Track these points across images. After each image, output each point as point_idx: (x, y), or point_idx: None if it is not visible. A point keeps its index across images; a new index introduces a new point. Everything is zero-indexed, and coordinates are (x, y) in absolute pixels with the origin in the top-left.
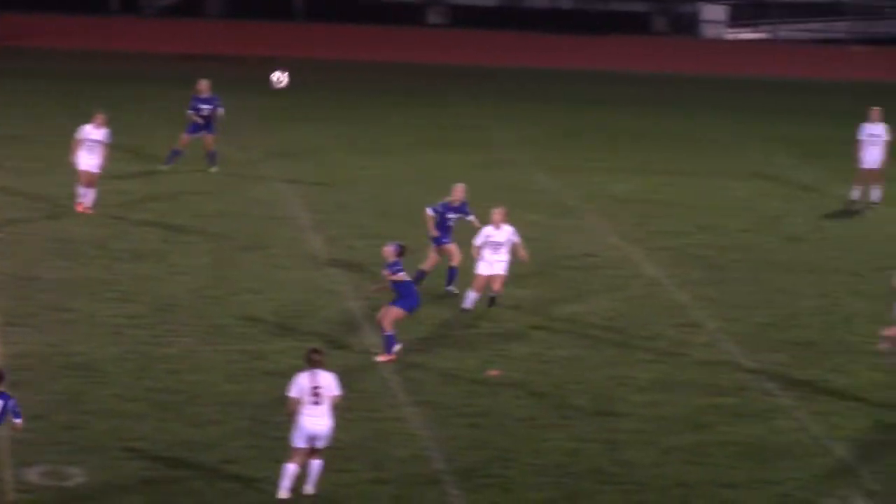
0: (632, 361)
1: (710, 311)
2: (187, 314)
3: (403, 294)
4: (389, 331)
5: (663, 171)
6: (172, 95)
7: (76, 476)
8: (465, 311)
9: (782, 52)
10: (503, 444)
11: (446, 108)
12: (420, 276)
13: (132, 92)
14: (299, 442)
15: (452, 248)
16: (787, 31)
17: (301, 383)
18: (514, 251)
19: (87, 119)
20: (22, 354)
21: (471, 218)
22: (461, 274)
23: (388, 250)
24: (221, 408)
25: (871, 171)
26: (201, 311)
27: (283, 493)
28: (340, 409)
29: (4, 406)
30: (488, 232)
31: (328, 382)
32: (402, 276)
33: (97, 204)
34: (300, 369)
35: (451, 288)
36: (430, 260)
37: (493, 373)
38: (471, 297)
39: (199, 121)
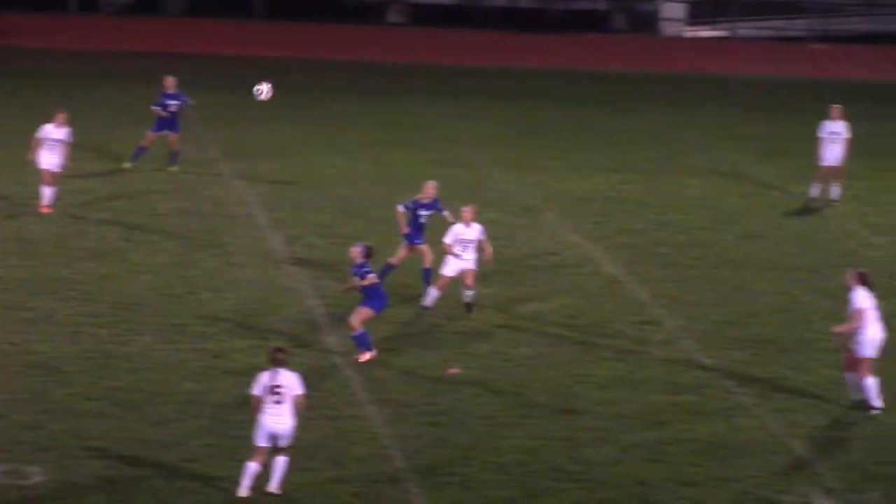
0: (592, 359)
1: (670, 309)
2: (147, 313)
3: (372, 296)
4: (359, 330)
5: (622, 169)
6: (133, 94)
7: (36, 475)
8: (425, 308)
9: (741, 49)
10: (464, 443)
11: (406, 107)
12: (387, 268)
13: (92, 90)
14: (261, 441)
15: (425, 248)
16: (746, 28)
17: (263, 382)
18: (479, 248)
19: (48, 118)
20: None
21: (445, 213)
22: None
23: (355, 251)
24: (181, 406)
25: (830, 168)
26: (161, 309)
27: (244, 491)
28: (303, 409)
29: None
30: (459, 230)
31: (290, 382)
32: (372, 278)
33: (57, 203)
34: (263, 368)
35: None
36: (399, 254)
37: (453, 371)
38: (432, 295)
39: (165, 115)
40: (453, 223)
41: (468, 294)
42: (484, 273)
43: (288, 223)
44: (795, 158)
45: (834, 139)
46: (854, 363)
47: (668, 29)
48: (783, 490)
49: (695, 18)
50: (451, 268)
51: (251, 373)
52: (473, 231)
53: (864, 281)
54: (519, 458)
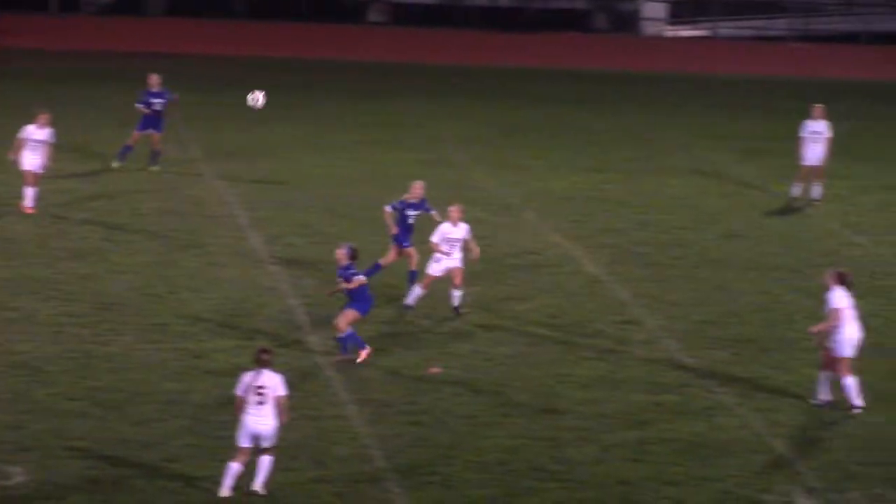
0: (573, 359)
1: (651, 309)
2: (128, 313)
3: (358, 298)
4: (346, 331)
5: (603, 169)
6: (115, 94)
7: (17, 475)
8: (407, 307)
9: (722, 49)
10: (445, 442)
11: (387, 106)
12: (376, 268)
13: (74, 90)
14: (243, 441)
15: (412, 251)
16: (727, 28)
17: (246, 382)
18: (465, 248)
19: (29, 119)
20: None
21: (432, 213)
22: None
23: (341, 253)
24: (163, 406)
25: (812, 168)
26: (142, 309)
27: (225, 491)
28: (285, 410)
29: None
30: (446, 229)
31: (273, 383)
32: (358, 280)
33: (39, 203)
34: (245, 368)
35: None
36: (389, 256)
37: (434, 370)
38: (415, 294)
39: (149, 113)
40: (441, 222)
41: (456, 295)
42: (466, 272)
43: (269, 223)
44: (776, 158)
45: (816, 139)
46: (831, 362)
47: (649, 28)
48: (765, 489)
49: (675, 18)
50: (437, 267)
51: (232, 373)
52: (461, 230)
53: (843, 280)
54: (500, 457)
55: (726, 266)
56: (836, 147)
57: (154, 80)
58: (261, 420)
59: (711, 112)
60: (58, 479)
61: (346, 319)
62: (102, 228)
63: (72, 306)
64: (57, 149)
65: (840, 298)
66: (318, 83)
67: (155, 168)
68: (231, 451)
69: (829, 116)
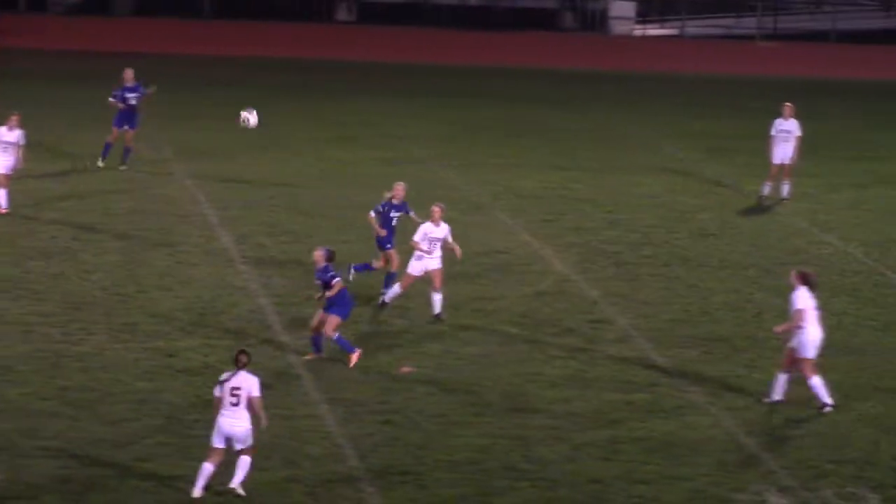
0: (543, 358)
1: (621, 307)
2: (98, 312)
3: (338, 302)
4: (335, 335)
5: (572, 167)
6: (84, 93)
7: None
8: (383, 304)
9: (690, 47)
10: (416, 441)
11: (353, 105)
12: (367, 267)
13: (43, 90)
14: (216, 442)
15: (392, 253)
16: (695, 27)
17: (223, 384)
18: (444, 247)
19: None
20: None
21: (412, 214)
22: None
23: (318, 255)
24: (134, 406)
25: (782, 166)
26: (112, 308)
27: (197, 492)
28: (259, 411)
29: None
30: (427, 229)
31: (248, 384)
32: (338, 283)
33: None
34: (215, 366)
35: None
36: (381, 261)
37: (406, 370)
38: (394, 292)
39: (124, 108)
40: (421, 223)
41: (437, 300)
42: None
43: (238, 222)
44: (745, 156)
45: (786, 137)
46: (793, 363)
47: (618, 27)
48: (737, 488)
49: (644, 17)
50: (417, 266)
51: (203, 372)
52: (442, 230)
53: (807, 281)
54: (472, 456)
55: (697, 265)
56: (804, 145)
57: (128, 75)
58: (234, 421)
59: (680, 111)
60: (29, 478)
61: (331, 326)
62: (72, 228)
63: (42, 306)
64: (25, 148)
65: (804, 299)
66: (284, 82)
67: (123, 167)
68: (203, 449)
69: (799, 115)
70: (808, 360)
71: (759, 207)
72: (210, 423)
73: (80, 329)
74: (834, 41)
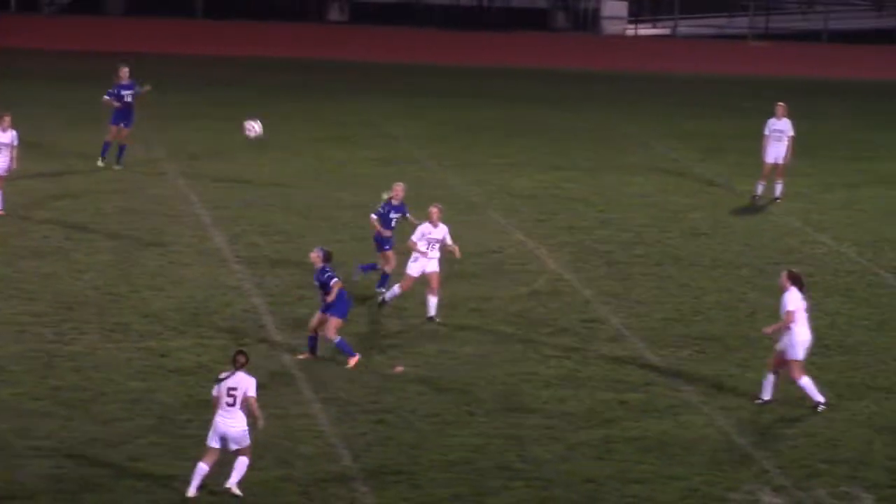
0: (537, 357)
1: (614, 307)
2: (90, 312)
3: (335, 303)
4: (337, 338)
5: (565, 167)
6: (77, 93)
7: None
8: (383, 303)
9: (682, 47)
10: (410, 441)
11: (347, 105)
12: (373, 266)
13: (34, 90)
14: (212, 441)
15: (390, 254)
16: (687, 26)
17: (220, 384)
18: (443, 249)
19: None
20: None
21: (408, 216)
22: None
23: (315, 256)
24: (127, 405)
25: (775, 166)
26: (105, 308)
27: (192, 491)
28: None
29: None
30: (426, 229)
31: (244, 385)
32: (336, 284)
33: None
34: (208, 366)
35: (382, 290)
36: (390, 262)
37: (398, 369)
38: (393, 292)
39: (119, 106)
40: (417, 224)
41: (433, 303)
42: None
43: (231, 222)
44: (738, 156)
45: (779, 137)
46: (781, 364)
47: (610, 27)
48: (731, 487)
49: (636, 17)
50: (415, 267)
51: (196, 371)
52: (440, 231)
53: (798, 281)
54: (466, 456)
55: (689, 264)
56: (797, 145)
57: (123, 73)
58: (230, 421)
59: (672, 110)
60: (23, 478)
61: (332, 328)
62: (64, 227)
63: (34, 305)
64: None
65: (795, 300)
66: (277, 82)
67: (118, 167)
68: (196, 449)
69: (791, 115)
70: (796, 361)
71: (752, 207)
72: (203, 423)
73: (72, 329)
74: (826, 41)
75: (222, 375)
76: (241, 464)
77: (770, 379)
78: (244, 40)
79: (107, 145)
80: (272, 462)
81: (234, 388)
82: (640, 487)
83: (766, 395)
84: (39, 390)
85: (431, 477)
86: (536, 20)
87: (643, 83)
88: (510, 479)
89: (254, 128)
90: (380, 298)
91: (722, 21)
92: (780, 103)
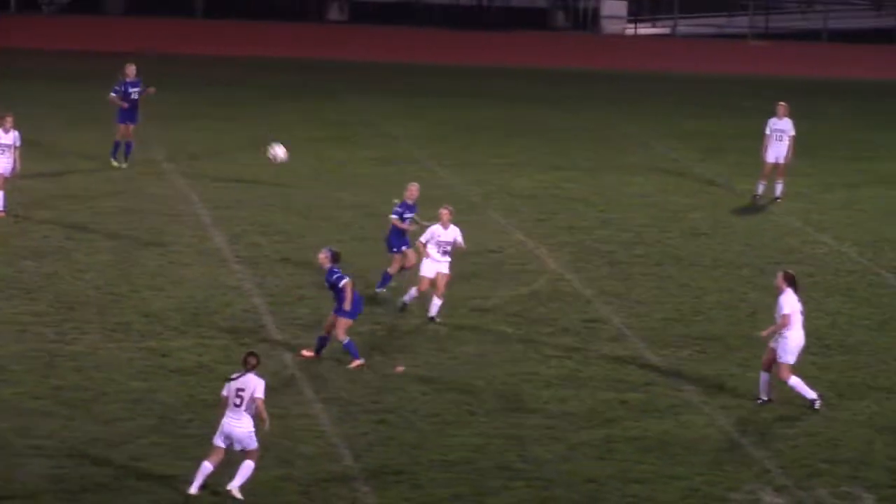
0: (538, 357)
1: (615, 307)
2: (91, 311)
3: (344, 301)
4: (345, 339)
5: (565, 167)
6: (77, 93)
7: None
8: (404, 307)
9: (682, 47)
10: (411, 441)
11: (347, 105)
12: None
13: (35, 90)
14: (218, 441)
15: (398, 257)
16: (687, 26)
17: (230, 384)
18: (455, 251)
19: None
20: None
21: (415, 216)
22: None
23: (323, 257)
24: (128, 405)
25: (776, 165)
26: (105, 308)
27: (194, 489)
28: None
29: None
30: (436, 231)
31: (252, 386)
32: (346, 283)
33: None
34: (209, 366)
35: (381, 290)
36: (409, 259)
37: (399, 369)
38: (411, 295)
39: (125, 105)
40: (427, 226)
41: (437, 304)
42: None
43: (231, 221)
44: (738, 155)
45: (780, 136)
46: (772, 364)
47: (609, 26)
48: (732, 487)
49: (635, 16)
50: (430, 268)
51: (197, 371)
52: (451, 233)
53: (794, 282)
54: (466, 456)
55: (689, 264)
56: (799, 145)
57: (131, 71)
58: (235, 422)
59: (672, 110)
60: (24, 478)
61: (342, 328)
62: (65, 227)
63: (35, 305)
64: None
65: (791, 303)
66: (277, 82)
67: (123, 165)
68: (197, 449)
69: (791, 114)
70: (785, 364)
71: (753, 207)
72: (204, 423)
73: (73, 328)
74: (825, 40)
75: (233, 376)
76: (246, 467)
77: (764, 378)
78: (244, 40)
79: (117, 145)
80: (273, 462)
81: (242, 389)
82: (641, 487)
83: (764, 395)
84: (40, 390)
85: (432, 477)
86: (536, 20)
87: (643, 83)
88: (511, 479)
89: (277, 154)
90: (399, 303)
91: (721, 20)
92: (782, 103)
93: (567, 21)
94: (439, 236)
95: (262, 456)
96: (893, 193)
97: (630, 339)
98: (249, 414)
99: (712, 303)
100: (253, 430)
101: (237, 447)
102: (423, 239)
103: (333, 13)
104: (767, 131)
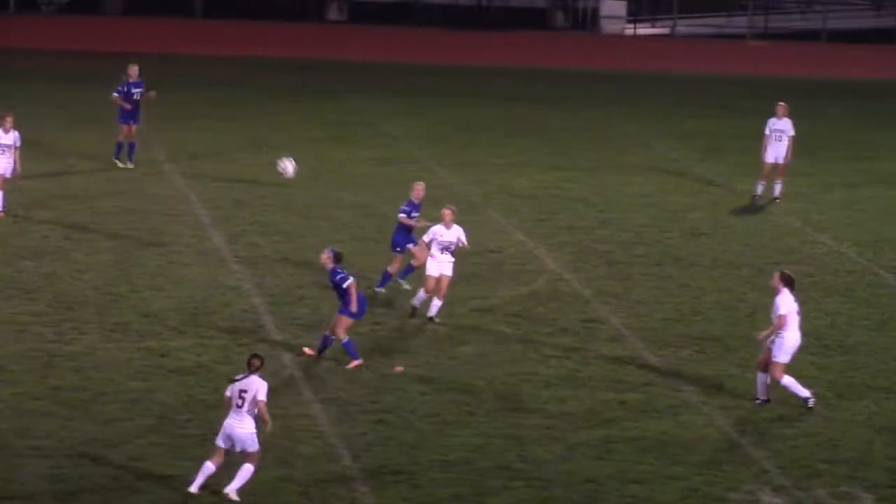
0: (537, 357)
1: (614, 307)
2: (90, 312)
3: (348, 302)
4: (345, 338)
5: (565, 167)
6: (76, 93)
7: None
8: (415, 310)
9: (681, 47)
10: (410, 441)
11: (347, 105)
12: (409, 271)
13: (34, 90)
14: (219, 441)
15: (400, 257)
16: (686, 26)
17: (233, 385)
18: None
19: None
20: None
21: (416, 215)
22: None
23: (325, 257)
24: (127, 405)
25: (775, 165)
26: (104, 308)
27: (194, 488)
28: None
29: None
30: (439, 231)
31: (254, 388)
32: (350, 283)
33: None
34: (208, 366)
35: (381, 290)
36: (417, 258)
37: (398, 369)
38: (420, 297)
39: (128, 106)
40: (430, 225)
41: (437, 305)
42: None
43: (230, 221)
44: (737, 155)
45: (779, 136)
46: (767, 364)
47: (609, 26)
48: (731, 487)
49: (635, 16)
50: (435, 267)
51: (196, 371)
52: (453, 233)
53: (790, 283)
54: (466, 456)
55: (689, 264)
56: (798, 145)
57: (133, 71)
58: (236, 423)
59: (672, 110)
60: (23, 478)
61: (342, 327)
62: (64, 227)
63: (34, 305)
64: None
65: (787, 303)
66: (277, 82)
67: (130, 165)
68: (196, 449)
69: (791, 115)
70: (778, 363)
71: (752, 207)
72: (203, 423)
73: (72, 329)
74: (825, 41)
75: (236, 377)
76: (246, 471)
77: (761, 378)
78: (244, 40)
79: (120, 146)
80: (272, 462)
81: (245, 391)
82: (640, 487)
83: (762, 395)
84: (39, 390)
85: (431, 477)
86: (535, 20)
87: (643, 83)
88: (510, 479)
89: (287, 169)
90: (410, 306)
91: (721, 20)
92: (781, 103)
93: (566, 21)
94: (441, 236)
95: (261, 456)
96: (893, 193)
97: (629, 339)
98: (251, 415)
99: (711, 303)
100: (255, 431)
101: (238, 448)
102: (424, 238)
103: (333, 13)
104: (767, 131)
